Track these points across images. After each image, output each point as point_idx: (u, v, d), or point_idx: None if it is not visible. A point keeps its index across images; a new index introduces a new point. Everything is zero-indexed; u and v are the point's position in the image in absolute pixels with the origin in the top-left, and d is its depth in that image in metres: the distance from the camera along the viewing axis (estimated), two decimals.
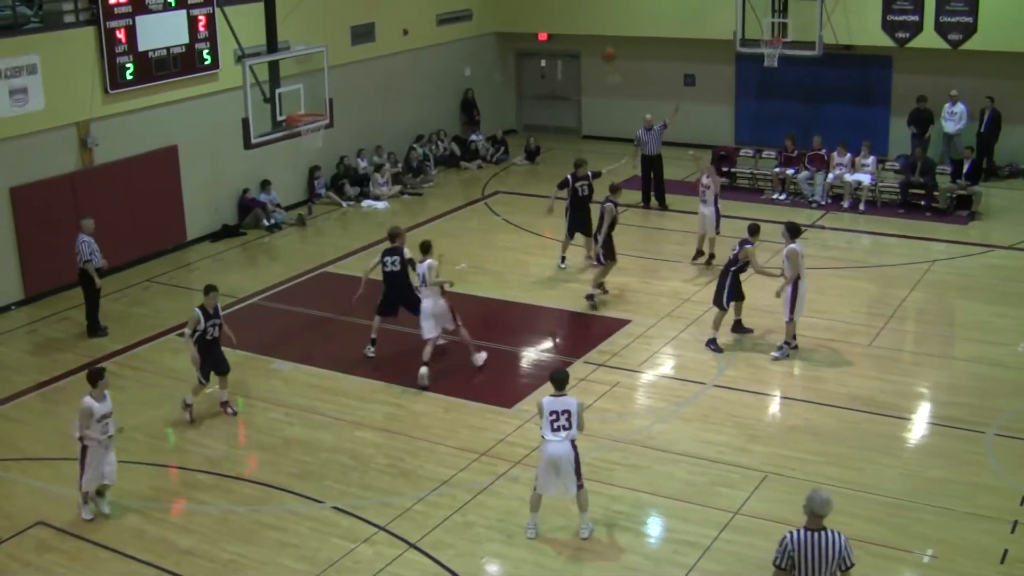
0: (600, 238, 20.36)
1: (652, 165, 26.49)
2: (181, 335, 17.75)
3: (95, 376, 13.79)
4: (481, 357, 18.27)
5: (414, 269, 18.11)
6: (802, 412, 16.43)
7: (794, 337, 18.25)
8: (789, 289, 17.79)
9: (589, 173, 22.26)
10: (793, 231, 18.00)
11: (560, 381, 13.13)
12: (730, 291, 18.37)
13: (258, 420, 16.66)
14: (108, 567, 13.01)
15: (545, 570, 12.70)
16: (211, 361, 16.31)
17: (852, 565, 9.75)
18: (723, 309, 18.46)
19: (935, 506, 13.72)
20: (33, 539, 13.61)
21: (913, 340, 19.16)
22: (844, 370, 17.64)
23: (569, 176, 22.20)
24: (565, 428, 12.91)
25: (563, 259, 22.56)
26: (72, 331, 19.94)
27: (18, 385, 18.01)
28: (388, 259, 18.41)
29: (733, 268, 18.33)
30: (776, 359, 17.98)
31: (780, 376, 17.67)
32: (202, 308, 16.13)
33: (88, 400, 13.60)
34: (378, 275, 18.54)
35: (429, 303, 17.77)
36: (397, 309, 18.61)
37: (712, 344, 18.46)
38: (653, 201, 26.76)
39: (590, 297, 20.49)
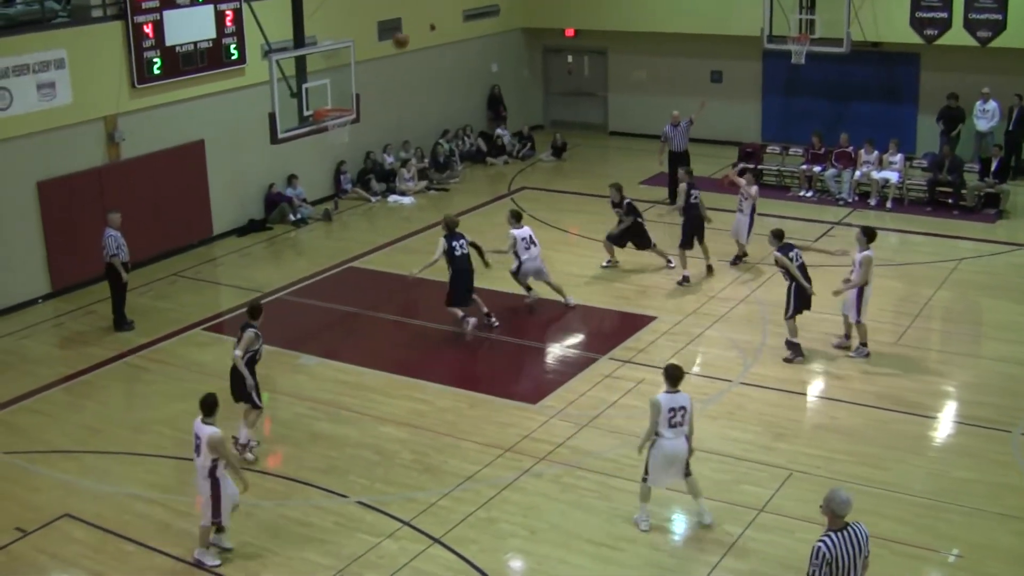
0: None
1: (679, 161, 26.38)
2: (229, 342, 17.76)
3: (212, 404, 12.81)
4: (571, 300, 20.43)
5: (477, 249, 19.52)
6: (828, 410, 16.37)
7: (865, 343, 18.15)
8: (855, 292, 17.66)
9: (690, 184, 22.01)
10: (869, 236, 17.81)
11: (676, 378, 13.13)
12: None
13: (283, 415, 16.69)
14: (133, 560, 13.06)
15: (569, 566, 12.68)
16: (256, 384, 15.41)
17: (868, 553, 9.82)
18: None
19: (961, 506, 13.64)
20: (59, 531, 13.67)
21: (940, 339, 19.05)
22: (870, 369, 17.55)
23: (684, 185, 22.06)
24: (681, 424, 13.01)
25: (671, 261, 22.37)
26: (98, 325, 20.02)
27: (44, 378, 18.08)
28: (457, 243, 19.03)
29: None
30: (854, 358, 17.90)
31: (806, 374, 17.60)
32: (256, 329, 15.15)
33: (213, 429, 12.64)
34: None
35: (536, 262, 20.14)
36: (471, 295, 19.26)
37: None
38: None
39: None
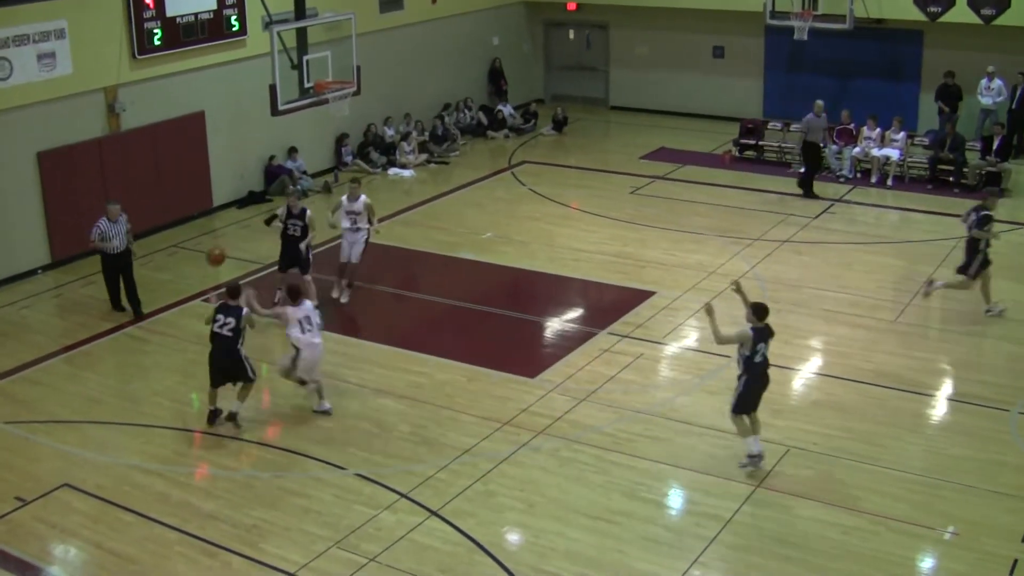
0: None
1: (812, 153, 25.30)
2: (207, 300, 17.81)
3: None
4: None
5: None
6: (826, 387, 16.38)
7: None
8: None
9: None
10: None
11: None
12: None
13: (282, 386, 16.68)
14: (132, 530, 13.10)
15: (566, 539, 12.71)
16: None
17: None
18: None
19: (958, 483, 13.67)
20: (58, 501, 13.71)
21: (939, 317, 19.04)
22: (869, 346, 17.57)
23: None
24: None
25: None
26: (98, 295, 19.96)
27: (44, 349, 18.09)
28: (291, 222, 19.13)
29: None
30: None
31: (804, 351, 17.61)
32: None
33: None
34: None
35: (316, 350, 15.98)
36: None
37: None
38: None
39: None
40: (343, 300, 19.67)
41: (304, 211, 19.01)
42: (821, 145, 25.53)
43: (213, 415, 15.35)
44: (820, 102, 25.40)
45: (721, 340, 13.81)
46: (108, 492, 13.85)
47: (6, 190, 20.58)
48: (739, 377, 13.90)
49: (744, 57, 31.48)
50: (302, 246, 18.96)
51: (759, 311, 13.82)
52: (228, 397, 15.39)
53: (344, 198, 19.64)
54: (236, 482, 14.09)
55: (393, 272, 21.22)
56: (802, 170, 25.55)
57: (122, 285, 19.27)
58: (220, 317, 14.76)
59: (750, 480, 13.76)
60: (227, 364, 14.94)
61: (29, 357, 17.75)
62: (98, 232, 18.68)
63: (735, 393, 13.90)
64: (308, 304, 15.56)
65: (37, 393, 16.66)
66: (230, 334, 14.73)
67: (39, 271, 21.27)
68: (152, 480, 14.14)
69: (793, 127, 26.69)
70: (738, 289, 14.37)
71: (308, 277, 18.90)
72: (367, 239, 19.60)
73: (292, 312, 15.36)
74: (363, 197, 19.56)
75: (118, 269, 19.16)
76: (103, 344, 18.32)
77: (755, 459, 13.89)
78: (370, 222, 19.62)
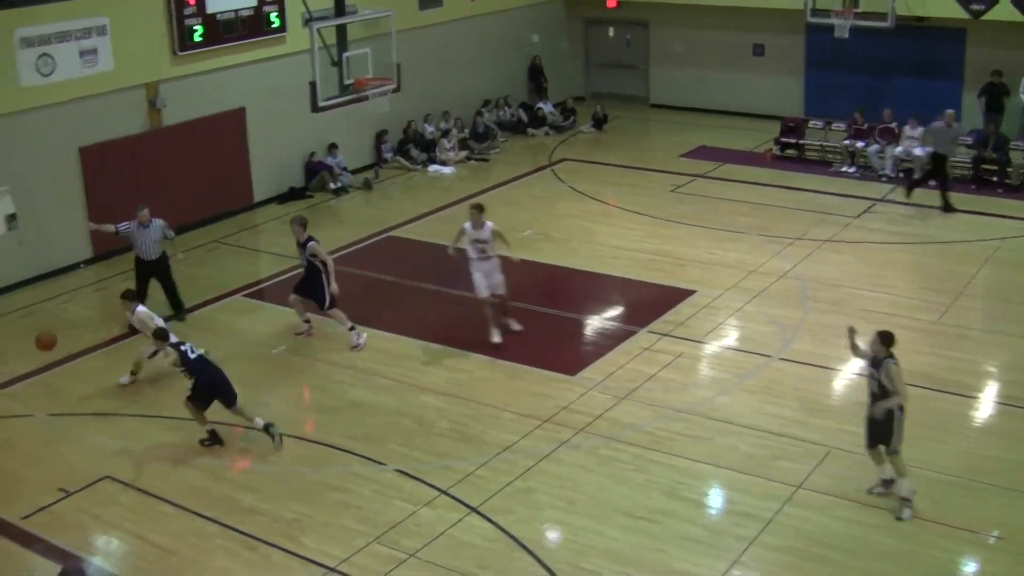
0: None
1: (940, 165, 24.21)
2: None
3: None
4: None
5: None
6: (866, 388, 16.24)
7: None
8: None
9: None
10: None
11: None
12: None
13: (322, 382, 16.77)
14: (172, 522, 13.18)
15: (604, 538, 12.69)
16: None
17: None
18: None
19: (998, 486, 13.53)
20: (101, 493, 13.83)
21: (980, 318, 18.89)
22: (909, 346, 17.28)
23: None
24: None
25: None
26: None
27: (86, 342, 18.23)
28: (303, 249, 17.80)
29: None
30: None
31: (844, 351, 17.43)
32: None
33: None
34: None
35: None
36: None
37: None
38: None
39: None
40: (516, 327, 18.11)
41: (308, 242, 17.53)
42: (941, 155, 24.12)
43: (214, 435, 15.07)
44: (951, 111, 24.32)
45: (905, 397, 13.10)
46: (149, 485, 13.95)
47: (49, 185, 20.74)
48: (900, 410, 13.07)
49: (785, 55, 31.31)
50: (322, 284, 17.65)
51: (888, 340, 13.15)
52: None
53: (468, 225, 17.55)
54: (275, 476, 14.15)
55: (432, 269, 21.23)
56: (916, 176, 25.01)
57: (162, 290, 19.11)
58: (186, 345, 15.05)
59: (791, 481, 13.69)
60: (223, 377, 15.01)
61: (71, 350, 17.86)
62: (126, 228, 18.65)
63: (898, 432, 13.08)
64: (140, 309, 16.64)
65: (79, 386, 16.79)
66: (205, 353, 15.03)
67: (81, 265, 21.44)
68: (193, 474, 14.23)
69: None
70: (851, 334, 13.76)
71: (330, 312, 17.87)
72: (501, 266, 17.74)
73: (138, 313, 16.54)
74: (489, 224, 17.46)
75: (149, 275, 18.83)
76: (142, 338, 18.31)
77: (889, 484, 13.40)
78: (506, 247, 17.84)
